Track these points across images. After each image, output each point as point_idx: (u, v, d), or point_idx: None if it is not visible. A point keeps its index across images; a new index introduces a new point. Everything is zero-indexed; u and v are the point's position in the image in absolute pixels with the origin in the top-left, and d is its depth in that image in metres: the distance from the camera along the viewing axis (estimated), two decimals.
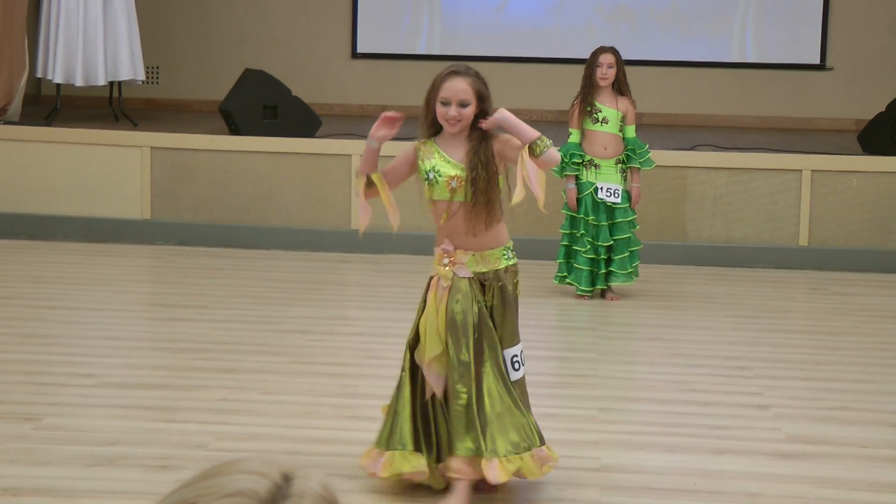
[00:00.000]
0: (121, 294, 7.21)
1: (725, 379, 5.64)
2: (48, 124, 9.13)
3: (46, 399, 5.08)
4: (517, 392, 4.09)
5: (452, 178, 4.04)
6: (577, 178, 7.13)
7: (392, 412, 4.12)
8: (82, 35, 9.20)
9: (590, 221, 7.09)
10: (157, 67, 11.29)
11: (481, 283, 4.08)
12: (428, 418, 4.09)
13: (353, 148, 8.47)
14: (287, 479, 1.14)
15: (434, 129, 4.12)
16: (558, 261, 7.25)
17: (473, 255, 4.07)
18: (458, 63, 4.23)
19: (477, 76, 4.12)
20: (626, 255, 7.11)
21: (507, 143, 4.06)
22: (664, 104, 10.94)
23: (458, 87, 4.05)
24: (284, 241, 8.56)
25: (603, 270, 7.14)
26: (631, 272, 7.14)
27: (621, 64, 7.12)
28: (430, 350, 4.02)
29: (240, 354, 5.82)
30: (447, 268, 4.06)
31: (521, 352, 4.17)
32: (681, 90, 11.11)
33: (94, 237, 8.61)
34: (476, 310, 4.03)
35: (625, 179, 7.16)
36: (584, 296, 7.17)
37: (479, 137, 4.06)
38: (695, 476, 4.36)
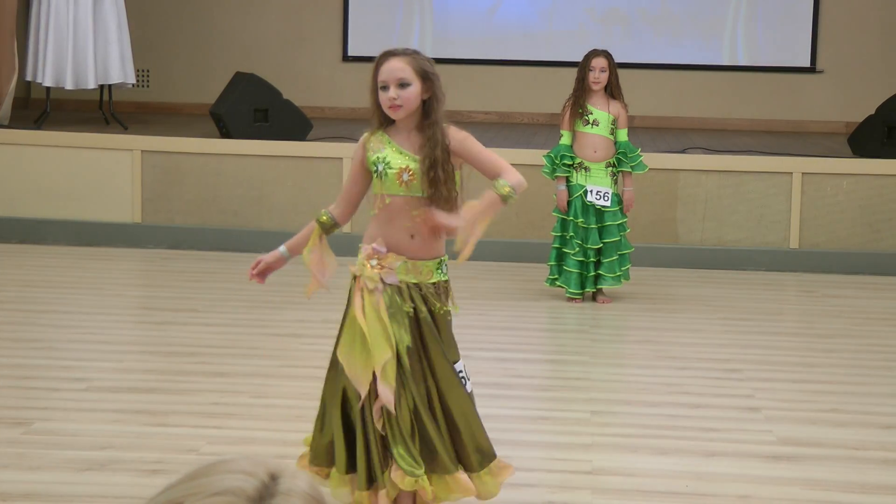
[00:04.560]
0: (112, 298, 7.20)
1: (717, 381, 5.65)
2: (38, 128, 9.12)
3: (37, 403, 5.06)
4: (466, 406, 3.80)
5: (404, 169, 3.66)
6: (567, 180, 7.14)
7: (321, 433, 3.83)
8: (72, 38, 9.19)
9: (579, 224, 7.09)
10: (148, 70, 11.28)
11: (409, 294, 3.70)
12: (355, 438, 3.75)
13: (345, 151, 8.46)
14: (274, 478, 1.15)
15: (385, 122, 3.74)
16: (549, 263, 7.25)
17: (405, 262, 3.69)
18: (399, 46, 3.82)
19: (417, 53, 3.72)
20: (615, 258, 7.11)
21: (463, 144, 3.70)
22: (655, 107, 10.96)
23: (395, 67, 3.66)
24: (276, 244, 8.46)
25: (592, 273, 7.14)
26: (620, 275, 7.14)
27: (614, 68, 7.13)
28: (379, 355, 3.64)
29: (232, 358, 5.81)
30: (374, 269, 3.70)
31: (464, 367, 3.82)
32: (672, 93, 11.12)
33: (85, 241, 8.59)
34: (407, 318, 3.69)
35: (615, 183, 7.17)
36: (574, 299, 7.17)
37: (433, 127, 3.67)
38: (686, 478, 4.36)
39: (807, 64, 11.07)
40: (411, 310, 3.69)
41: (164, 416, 4.92)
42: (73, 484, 4.19)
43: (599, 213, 7.11)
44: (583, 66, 7.12)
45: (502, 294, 7.37)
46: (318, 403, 5.23)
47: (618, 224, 7.12)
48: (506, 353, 6.05)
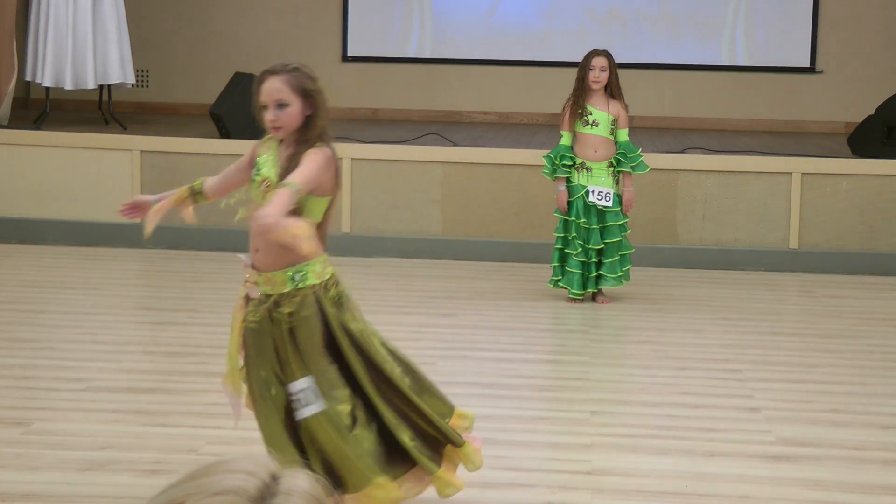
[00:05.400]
0: (111, 298, 7.19)
1: (717, 381, 5.64)
2: (37, 128, 9.11)
3: (36, 403, 5.06)
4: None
5: (264, 180, 3.66)
6: (568, 180, 7.14)
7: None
8: (72, 38, 9.19)
9: (581, 224, 7.09)
10: (147, 70, 11.27)
11: (273, 303, 3.65)
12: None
13: (344, 151, 8.44)
14: (275, 477, 1.14)
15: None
16: (552, 265, 7.24)
17: (260, 274, 3.68)
18: (279, 62, 3.73)
19: (297, 71, 3.64)
20: (617, 258, 7.11)
21: (303, 156, 3.60)
22: (655, 107, 10.95)
23: (272, 87, 3.60)
24: None
25: (594, 274, 7.14)
26: (621, 276, 7.13)
27: (614, 67, 7.12)
28: (228, 364, 3.77)
29: None
30: (245, 284, 3.74)
31: (307, 388, 3.61)
32: (672, 93, 11.12)
33: (84, 241, 8.59)
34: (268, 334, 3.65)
35: (616, 183, 7.16)
36: (575, 299, 7.17)
37: (304, 144, 3.63)
38: (686, 479, 4.36)
39: (806, 64, 11.07)
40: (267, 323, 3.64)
41: (164, 417, 4.92)
42: (73, 484, 4.18)
43: (601, 213, 7.11)
44: (583, 66, 7.11)
45: (502, 294, 7.36)
46: None
47: (619, 224, 7.12)
48: (506, 353, 6.04)
